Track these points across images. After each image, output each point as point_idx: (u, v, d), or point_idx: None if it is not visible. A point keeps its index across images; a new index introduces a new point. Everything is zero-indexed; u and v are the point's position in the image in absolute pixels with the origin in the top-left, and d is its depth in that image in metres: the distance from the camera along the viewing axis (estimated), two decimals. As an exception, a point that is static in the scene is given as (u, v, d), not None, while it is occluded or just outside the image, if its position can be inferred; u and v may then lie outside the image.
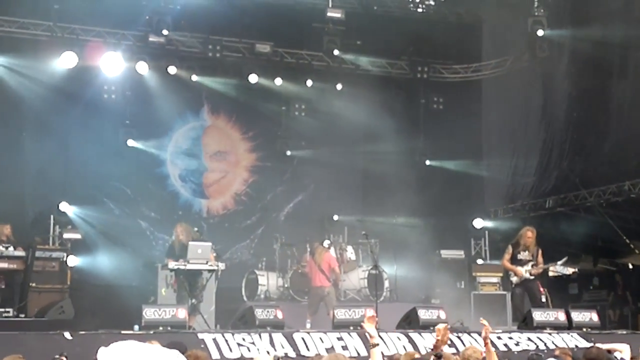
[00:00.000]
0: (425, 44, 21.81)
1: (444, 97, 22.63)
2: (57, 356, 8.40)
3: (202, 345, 11.73)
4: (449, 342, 7.58)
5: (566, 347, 12.29)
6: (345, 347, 12.31)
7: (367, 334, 6.78)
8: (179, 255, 15.16)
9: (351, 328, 13.21)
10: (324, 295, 16.72)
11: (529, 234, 15.66)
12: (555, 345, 13.09)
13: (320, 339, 12.59)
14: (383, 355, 7.03)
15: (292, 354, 12.07)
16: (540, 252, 15.57)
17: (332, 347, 12.41)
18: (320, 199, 21.23)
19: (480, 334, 13.26)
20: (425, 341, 12.79)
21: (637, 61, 18.43)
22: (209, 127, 21.87)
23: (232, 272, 17.86)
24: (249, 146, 22.01)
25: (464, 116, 21.42)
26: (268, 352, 11.08)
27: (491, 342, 12.97)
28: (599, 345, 9.84)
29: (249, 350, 11.97)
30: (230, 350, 11.94)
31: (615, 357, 9.30)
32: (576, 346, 12.87)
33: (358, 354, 11.97)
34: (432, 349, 7.25)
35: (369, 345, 6.79)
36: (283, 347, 12.21)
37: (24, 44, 18.56)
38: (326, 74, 21.45)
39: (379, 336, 6.82)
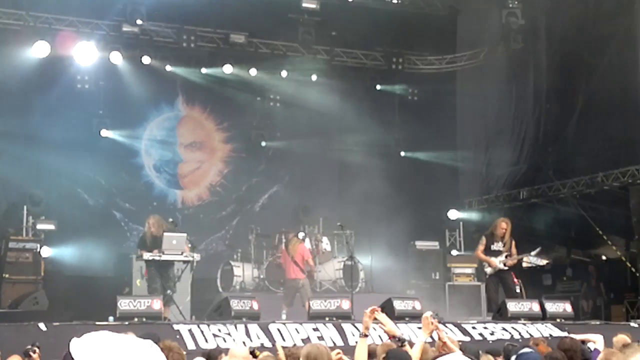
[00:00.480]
0: (400, 36, 21.83)
1: (419, 88, 22.68)
2: (29, 346, 8.36)
3: (178, 336, 11.70)
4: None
5: (541, 336, 12.35)
6: (321, 338, 12.33)
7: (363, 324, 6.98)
8: (150, 247, 15.09)
9: (327, 319, 13.24)
10: (298, 287, 16.72)
11: (503, 225, 15.73)
12: (530, 335, 13.18)
13: (296, 329, 12.61)
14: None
15: (268, 345, 12.06)
16: (514, 243, 15.66)
17: (308, 337, 12.43)
18: (295, 190, 21.22)
19: (454, 324, 13.42)
20: (401, 331, 12.81)
21: (610, 54, 18.54)
22: (183, 118, 21.79)
23: (208, 263, 17.84)
24: (223, 137, 21.94)
25: (438, 107, 21.49)
26: (244, 344, 11.08)
27: (465, 331, 13.11)
28: (572, 335, 9.92)
29: (225, 341, 11.96)
30: (206, 340, 11.93)
31: (589, 348, 9.38)
32: (550, 335, 12.96)
33: (334, 343, 11.99)
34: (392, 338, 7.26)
35: (360, 334, 6.96)
36: (259, 338, 12.22)
37: (-5, 32, 18.36)
38: (301, 64, 21.38)
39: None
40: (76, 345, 2.89)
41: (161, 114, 21.37)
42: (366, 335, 7.06)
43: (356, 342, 7.95)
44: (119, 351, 2.86)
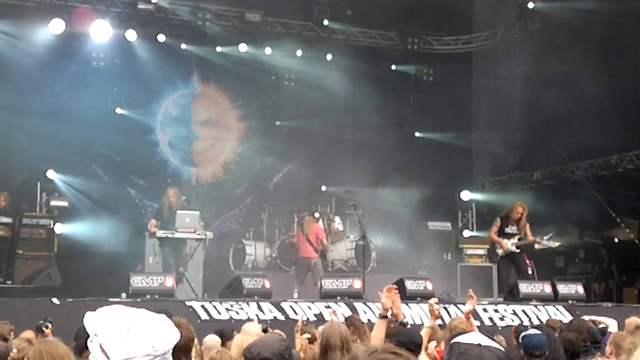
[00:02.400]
0: (416, 15, 21.75)
1: (434, 68, 22.60)
2: (41, 322, 8.45)
3: (191, 310, 11.84)
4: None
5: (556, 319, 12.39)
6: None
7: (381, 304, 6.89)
8: (166, 220, 15.16)
9: (338, 298, 13.30)
10: (310, 265, 16.78)
11: (519, 209, 15.73)
12: (539, 319, 13.22)
13: (308, 307, 12.69)
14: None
15: (281, 318, 12.19)
16: (528, 227, 15.65)
17: (321, 313, 12.51)
18: (308, 169, 21.21)
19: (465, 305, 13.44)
20: (413, 311, 12.89)
21: (627, 34, 18.41)
22: (198, 95, 21.80)
23: (220, 241, 17.90)
24: (238, 115, 21.95)
25: (453, 88, 21.38)
26: (257, 317, 11.18)
27: (475, 314, 13.13)
28: (586, 317, 9.94)
29: (238, 314, 12.10)
30: (219, 313, 12.08)
31: (597, 326, 9.38)
32: (561, 321, 12.98)
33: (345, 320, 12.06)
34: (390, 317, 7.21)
35: (379, 315, 6.88)
36: (271, 312, 12.33)
37: (12, 9, 18.35)
38: (316, 44, 21.35)
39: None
40: (90, 318, 2.94)
41: (176, 91, 21.39)
42: (385, 317, 6.94)
43: (368, 320, 8.00)
44: (133, 324, 2.91)
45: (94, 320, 2.93)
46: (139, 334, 2.89)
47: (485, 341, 3.47)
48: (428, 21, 22.00)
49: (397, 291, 7.03)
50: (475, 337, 3.53)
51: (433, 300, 7.64)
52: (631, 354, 6.00)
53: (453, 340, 3.58)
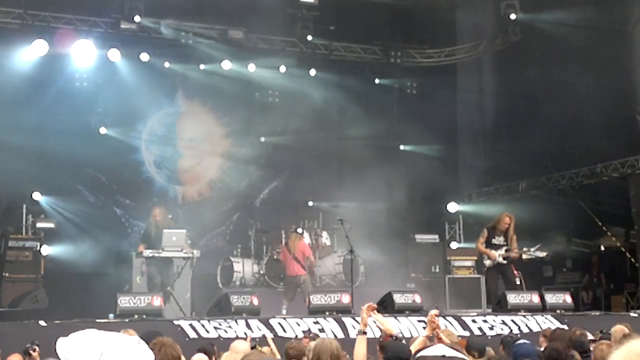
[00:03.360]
0: (398, 29, 21.85)
1: (418, 81, 22.69)
2: (29, 345, 8.40)
3: (179, 329, 11.79)
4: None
5: (548, 328, 12.39)
6: (322, 330, 12.40)
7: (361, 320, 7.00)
8: (155, 239, 15.11)
9: (327, 313, 13.28)
10: (300, 283, 16.77)
11: (506, 220, 15.76)
12: (528, 328, 13.24)
13: (297, 323, 12.67)
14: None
15: (270, 335, 12.15)
16: (514, 238, 15.68)
17: (309, 329, 12.49)
18: (295, 184, 21.23)
19: (454, 317, 13.47)
20: (401, 324, 12.87)
21: (609, 44, 18.53)
22: (183, 113, 21.80)
23: (208, 259, 17.87)
24: (223, 132, 21.95)
25: (437, 100, 21.45)
26: (245, 335, 11.14)
27: (464, 325, 13.14)
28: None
29: (226, 332, 12.06)
30: (207, 332, 12.03)
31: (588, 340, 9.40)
32: (549, 328, 12.99)
33: (335, 336, 12.06)
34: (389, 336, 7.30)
35: (358, 332, 6.99)
36: (260, 330, 12.29)
37: (-6, 31, 18.39)
38: (299, 59, 21.40)
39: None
40: (63, 343, 2.92)
41: (161, 110, 21.37)
42: (365, 332, 7.08)
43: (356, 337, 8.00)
44: (106, 348, 2.89)
45: (66, 346, 2.91)
46: (113, 357, 2.87)
47: (450, 352, 3.52)
48: (410, 34, 22.09)
49: (376, 310, 7.13)
50: (439, 350, 3.59)
51: (434, 312, 7.65)
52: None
53: (418, 355, 3.64)
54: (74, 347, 2.90)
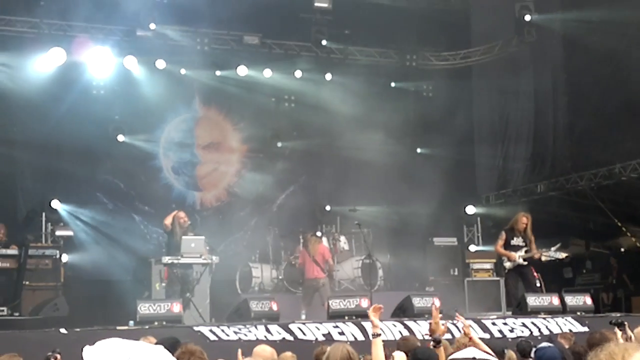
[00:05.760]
0: (413, 32, 21.82)
1: (434, 84, 22.66)
2: (50, 353, 8.40)
3: (199, 334, 11.78)
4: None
5: (568, 332, 12.32)
6: (342, 333, 12.39)
7: (371, 324, 7.00)
8: (179, 243, 15.11)
9: (346, 318, 13.26)
10: (319, 286, 16.74)
11: (523, 220, 15.67)
12: (549, 330, 13.18)
13: (317, 327, 12.65)
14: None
15: (290, 339, 12.14)
16: (533, 238, 15.60)
17: (329, 333, 12.48)
18: (312, 189, 21.23)
19: (474, 320, 13.41)
20: (421, 327, 12.84)
21: (626, 44, 18.44)
22: (200, 119, 21.85)
23: (226, 265, 17.84)
24: (240, 137, 21.98)
25: (454, 103, 21.43)
26: (266, 338, 11.15)
27: (485, 327, 13.10)
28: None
29: (246, 336, 12.04)
30: (227, 335, 12.01)
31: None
32: (570, 330, 12.93)
33: (355, 338, 12.07)
34: (429, 335, 7.33)
35: (372, 335, 6.97)
36: (280, 334, 12.28)
37: (10, 41, 18.48)
38: (315, 64, 21.41)
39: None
40: (89, 352, 2.93)
41: (178, 116, 21.42)
42: (378, 335, 7.03)
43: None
44: (133, 356, 2.90)
45: (93, 355, 2.92)
46: None
47: (480, 355, 3.53)
48: (426, 37, 22.06)
49: (381, 308, 7.16)
50: (470, 352, 3.60)
51: (464, 322, 7.65)
52: None
53: (450, 357, 3.67)
54: (99, 356, 2.91)
